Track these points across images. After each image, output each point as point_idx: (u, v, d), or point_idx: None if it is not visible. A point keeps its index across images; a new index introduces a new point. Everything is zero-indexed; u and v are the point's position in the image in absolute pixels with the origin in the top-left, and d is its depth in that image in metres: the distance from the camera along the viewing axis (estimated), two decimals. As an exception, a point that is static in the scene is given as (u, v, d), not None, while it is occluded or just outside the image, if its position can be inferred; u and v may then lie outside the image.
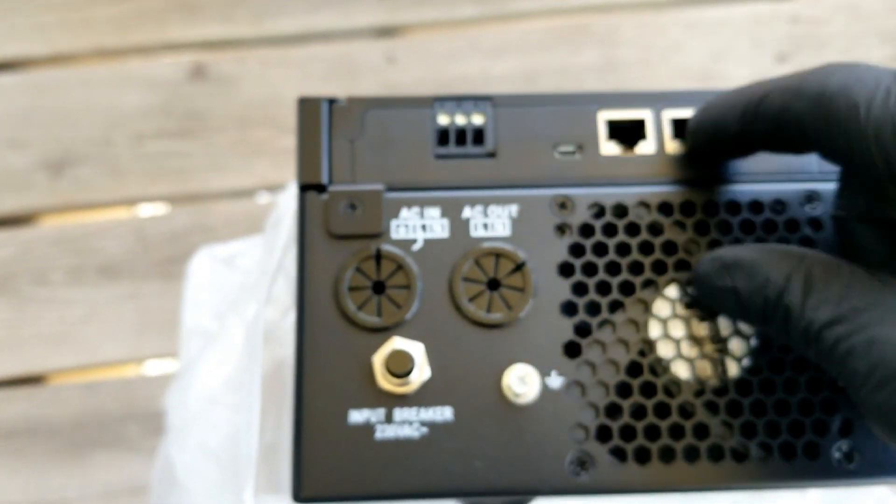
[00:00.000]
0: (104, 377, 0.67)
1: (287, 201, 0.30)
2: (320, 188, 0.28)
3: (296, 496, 0.25)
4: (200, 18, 0.75)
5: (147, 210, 0.70)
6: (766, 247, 0.25)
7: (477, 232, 0.28)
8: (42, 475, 0.65)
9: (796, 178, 0.29)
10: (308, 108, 0.28)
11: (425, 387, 0.26)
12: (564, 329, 0.27)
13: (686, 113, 0.29)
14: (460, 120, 0.29)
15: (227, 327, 0.29)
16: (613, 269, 0.28)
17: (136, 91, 0.72)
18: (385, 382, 0.26)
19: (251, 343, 0.27)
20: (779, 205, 0.28)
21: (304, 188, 0.28)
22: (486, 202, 0.28)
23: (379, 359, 0.26)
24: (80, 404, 0.66)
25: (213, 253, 0.37)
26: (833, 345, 0.22)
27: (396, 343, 0.26)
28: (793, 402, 0.27)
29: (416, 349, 0.26)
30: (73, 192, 0.70)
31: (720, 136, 0.26)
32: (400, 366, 0.25)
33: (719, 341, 0.27)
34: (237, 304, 0.30)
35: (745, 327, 0.27)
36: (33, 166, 0.71)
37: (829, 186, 0.29)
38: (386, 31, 0.74)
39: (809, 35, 0.72)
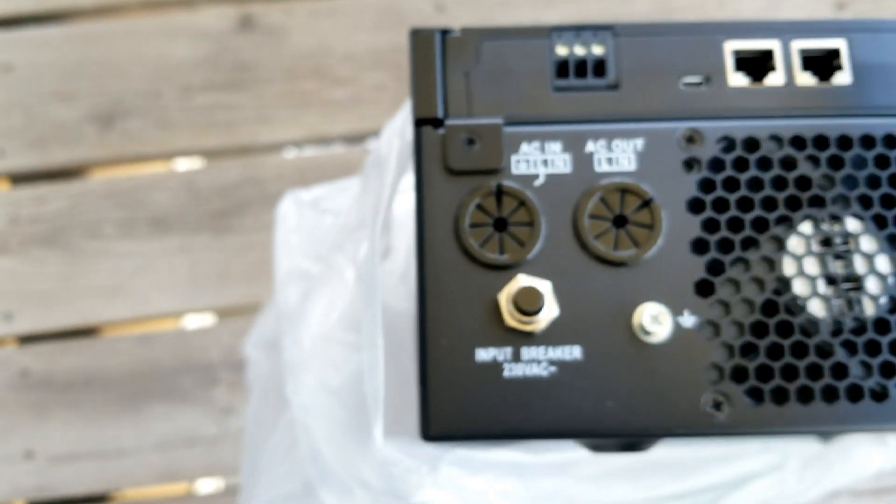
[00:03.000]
0: (157, 329, 0.67)
1: (386, 144, 0.29)
2: (436, 122, 0.27)
3: (424, 435, 0.25)
4: (249, -32, 0.74)
5: (196, 163, 0.70)
6: None
7: (601, 167, 0.27)
8: (97, 426, 0.65)
9: (934, 110, 0.27)
10: (421, 40, 0.27)
11: (553, 325, 0.25)
12: (696, 267, 0.26)
13: (816, 43, 0.28)
14: (579, 50, 0.28)
15: (333, 267, 0.28)
16: (745, 204, 0.27)
17: (183, 42, 0.72)
18: (512, 320, 0.25)
19: (369, 280, 0.26)
20: (917, 138, 0.27)
21: (420, 122, 0.27)
22: (610, 136, 0.27)
23: (505, 296, 0.25)
24: (134, 356, 0.67)
25: (298, 198, 0.36)
26: None
27: (523, 280, 0.25)
28: (933, 342, 0.26)
29: (544, 286, 0.25)
30: (123, 144, 0.70)
31: None
32: (530, 303, 0.25)
33: (856, 279, 0.26)
34: (341, 245, 0.29)
35: (881, 265, 0.26)
36: (82, 119, 0.71)
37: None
38: (436, -21, 0.73)
39: (873, -22, 0.70)
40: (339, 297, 0.28)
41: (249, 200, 0.69)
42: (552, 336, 0.25)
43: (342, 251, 0.29)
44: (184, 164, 0.70)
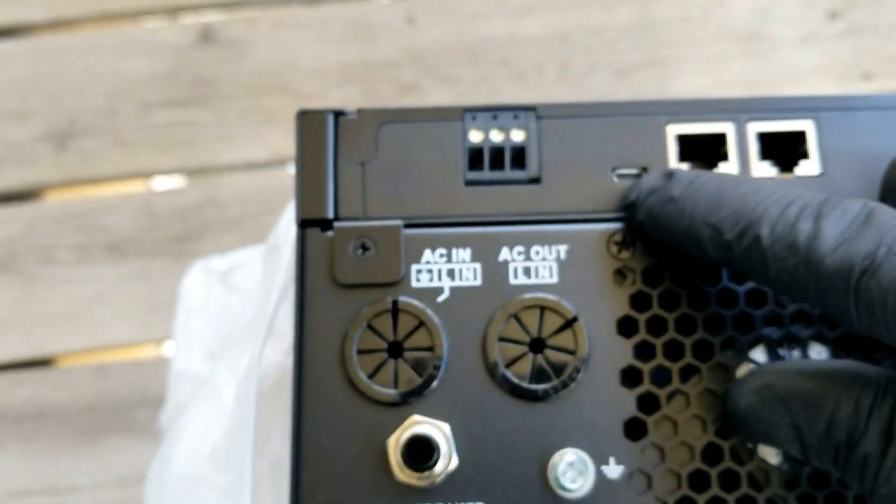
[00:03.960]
0: (114, 359, 0.64)
1: (284, 231, 0.25)
2: (325, 224, 0.23)
3: None
4: (206, -22, 0.71)
5: (155, 184, 0.67)
6: (832, 366, 0.20)
7: (517, 279, 0.23)
8: (51, 461, 0.62)
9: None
10: (310, 124, 0.23)
11: (452, 478, 0.21)
12: (625, 403, 0.22)
13: (777, 126, 0.24)
14: (497, 136, 0.23)
15: (215, 381, 0.24)
16: (686, 325, 0.22)
17: (141, 57, 0.68)
18: (402, 474, 0.21)
19: (242, 407, 0.22)
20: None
21: (305, 224, 0.23)
22: (529, 241, 0.23)
23: (394, 443, 0.21)
24: (90, 388, 0.64)
25: (209, 267, 0.32)
26: None
27: (416, 425, 0.21)
28: (908, 495, 0.21)
29: (440, 431, 0.21)
30: (79, 165, 0.67)
31: None
32: (419, 457, 0.21)
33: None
34: (230, 348, 0.25)
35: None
36: (36, 138, 0.68)
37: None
38: (405, -12, 0.69)
39: (864, -13, 0.66)
40: (214, 422, 0.24)
41: (210, 224, 0.66)
42: (451, 491, 0.21)
43: (226, 360, 0.25)
44: (142, 186, 0.67)
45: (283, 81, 0.68)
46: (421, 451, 0.21)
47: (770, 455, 0.22)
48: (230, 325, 0.27)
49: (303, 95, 0.66)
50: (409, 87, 0.66)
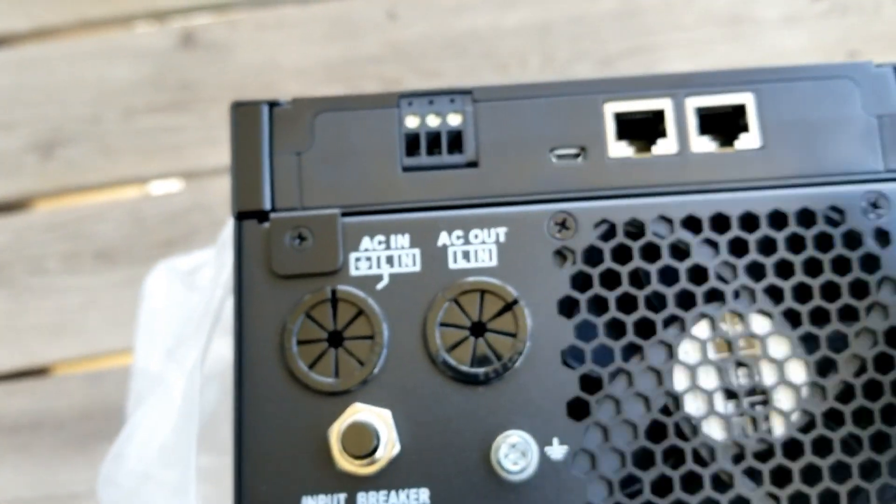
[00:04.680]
0: (108, 366, 0.64)
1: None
2: (261, 216, 0.23)
3: None
4: (187, -19, 0.71)
5: (142, 190, 0.67)
6: None
7: (456, 263, 0.23)
8: (49, 470, 0.62)
9: (856, 177, 0.23)
10: (244, 116, 0.23)
11: (395, 464, 0.21)
12: (568, 383, 0.22)
13: (716, 100, 0.23)
14: (433, 121, 0.23)
15: (165, 377, 0.24)
16: (628, 304, 0.22)
17: (124, 63, 0.68)
18: (344, 462, 0.21)
19: (187, 405, 0.22)
20: (836, 213, 0.23)
21: (241, 216, 0.23)
22: (468, 225, 0.23)
23: (336, 432, 0.21)
24: (85, 395, 0.64)
25: (173, 267, 0.32)
26: None
27: (357, 412, 0.21)
28: (854, 465, 0.21)
29: (381, 419, 0.21)
30: (65, 174, 0.67)
31: None
32: (359, 445, 0.20)
33: (762, 392, 0.22)
34: (180, 345, 0.25)
35: (793, 374, 0.22)
36: (22, 148, 0.68)
37: (900, 186, 0.23)
38: (387, -16, 0.69)
39: (850, -35, 0.65)
40: (163, 419, 0.24)
41: (198, 228, 0.66)
42: (394, 477, 0.21)
43: (176, 357, 0.25)
44: (129, 192, 0.67)
45: (267, 82, 0.68)
46: (361, 439, 0.21)
47: (714, 431, 0.22)
48: (184, 325, 0.27)
49: (287, 95, 0.66)
50: (393, 83, 0.66)
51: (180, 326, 0.29)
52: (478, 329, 0.22)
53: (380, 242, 0.23)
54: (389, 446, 0.21)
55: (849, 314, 0.22)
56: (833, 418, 0.22)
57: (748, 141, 0.23)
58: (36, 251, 0.66)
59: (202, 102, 0.68)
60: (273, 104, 0.23)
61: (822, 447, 0.21)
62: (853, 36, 0.63)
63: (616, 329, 0.22)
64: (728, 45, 0.64)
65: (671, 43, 0.65)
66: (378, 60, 0.67)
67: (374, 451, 0.21)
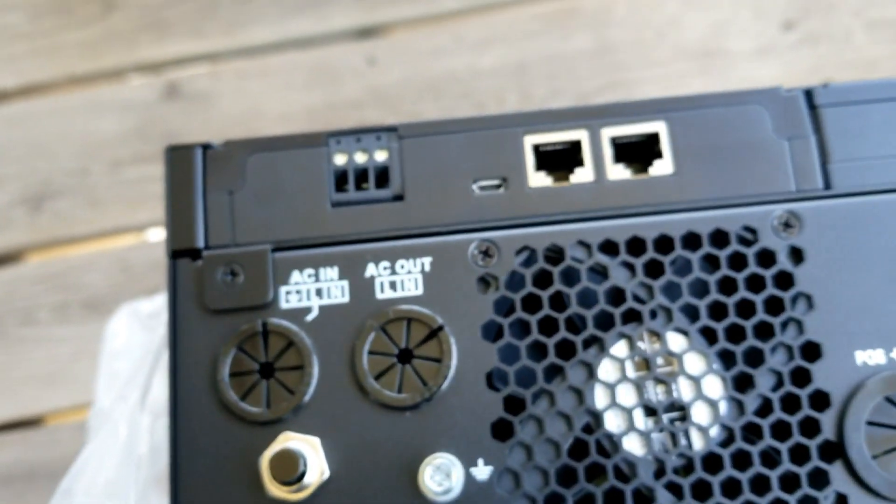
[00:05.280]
0: (100, 415, 0.65)
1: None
2: (194, 254, 0.24)
3: None
4: (170, 35, 0.73)
5: (128, 239, 0.68)
6: None
7: (384, 293, 0.23)
8: (43, 521, 0.62)
9: (769, 198, 0.24)
10: (178, 158, 0.24)
11: (325, 489, 0.22)
12: (492, 405, 0.22)
13: (630, 129, 0.24)
14: (360, 158, 0.24)
15: (113, 416, 0.25)
16: (549, 326, 0.23)
17: (110, 116, 0.70)
18: (274, 489, 0.22)
19: (130, 440, 0.23)
20: (749, 232, 0.23)
21: (176, 255, 0.24)
22: (394, 256, 0.24)
23: (266, 460, 0.22)
24: (77, 445, 0.64)
25: (136, 310, 0.33)
26: None
27: (287, 441, 0.22)
28: (774, 477, 0.22)
29: (310, 446, 0.22)
30: (54, 226, 0.68)
31: None
32: (286, 471, 0.21)
33: (680, 408, 0.22)
34: (129, 384, 0.26)
35: (711, 390, 0.22)
36: (12, 202, 0.69)
37: (811, 205, 0.23)
38: (365, 32, 0.71)
39: (816, -3, 0.66)
40: (109, 454, 0.24)
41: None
42: (324, 503, 0.22)
43: (123, 397, 0.25)
44: (116, 242, 0.68)
45: (250, 129, 0.69)
46: (288, 465, 0.21)
47: (635, 447, 0.22)
48: (134, 369, 0.28)
49: (269, 142, 0.67)
50: (375, 126, 0.67)
51: (135, 367, 0.29)
52: (405, 356, 0.23)
53: (309, 275, 0.23)
54: (318, 472, 0.22)
55: (764, 330, 0.23)
56: (752, 432, 0.22)
57: (662, 167, 0.24)
58: (27, 303, 0.67)
59: (187, 152, 0.69)
60: (206, 147, 0.24)
61: (741, 461, 0.22)
62: (826, 64, 0.64)
63: (538, 351, 0.23)
64: (701, 78, 0.65)
65: (645, 78, 0.66)
66: (359, 105, 0.68)
67: (302, 476, 0.21)
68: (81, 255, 0.68)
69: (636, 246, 0.23)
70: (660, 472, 0.22)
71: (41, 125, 0.71)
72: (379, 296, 0.23)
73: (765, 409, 0.22)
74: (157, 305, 0.34)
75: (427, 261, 0.23)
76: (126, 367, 0.30)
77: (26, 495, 0.64)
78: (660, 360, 0.23)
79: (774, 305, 0.23)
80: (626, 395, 0.22)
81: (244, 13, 0.73)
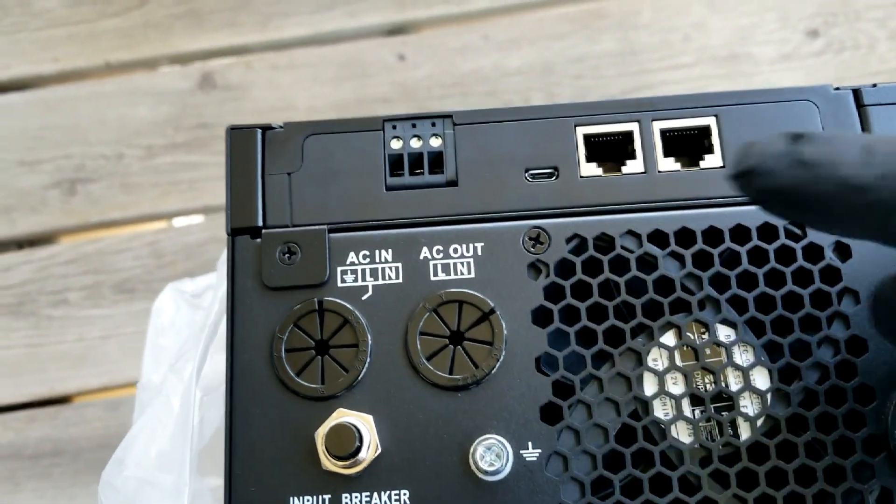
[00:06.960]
0: (127, 395, 0.66)
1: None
2: (254, 232, 0.24)
3: None
4: (206, 27, 0.74)
5: (160, 224, 0.69)
6: None
7: (437, 276, 0.24)
8: (68, 497, 0.64)
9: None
10: (238, 139, 0.25)
11: (377, 465, 0.22)
12: (542, 389, 0.23)
13: (681, 123, 0.25)
14: (415, 143, 0.25)
15: (164, 388, 0.26)
16: (598, 314, 0.23)
17: (144, 104, 0.71)
18: (329, 463, 0.22)
19: (184, 413, 0.24)
20: (797, 227, 0.24)
21: (235, 232, 0.24)
22: (447, 240, 0.24)
23: (321, 435, 0.22)
24: (104, 423, 0.65)
25: (180, 288, 0.34)
26: None
27: (341, 417, 0.22)
28: (819, 469, 0.22)
29: (364, 423, 0.22)
30: (87, 209, 0.69)
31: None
32: (342, 446, 0.22)
33: (728, 398, 0.23)
34: (181, 359, 0.27)
35: (758, 380, 0.23)
36: (47, 185, 0.70)
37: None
38: (395, 29, 0.71)
39: (843, 5, 0.66)
40: (161, 427, 0.25)
41: (214, 260, 0.67)
42: (376, 478, 0.22)
43: (176, 369, 0.26)
44: (148, 227, 0.69)
45: (280, 121, 0.70)
46: (344, 440, 0.22)
47: (682, 435, 0.23)
48: (184, 342, 0.28)
49: (300, 133, 0.68)
50: (402, 122, 0.67)
51: (183, 342, 0.30)
52: (456, 338, 0.23)
53: (364, 257, 0.24)
54: (372, 449, 0.22)
55: (811, 324, 0.23)
56: (797, 424, 0.23)
57: (711, 161, 0.24)
58: (58, 284, 0.68)
59: (219, 141, 0.70)
60: (266, 128, 0.25)
61: (787, 452, 0.22)
62: (849, 73, 0.64)
63: (587, 337, 0.23)
64: (725, 82, 0.65)
65: (669, 81, 0.66)
66: (387, 100, 0.69)
67: (357, 452, 0.22)
68: (112, 238, 0.69)
69: (685, 237, 0.24)
70: (706, 461, 0.22)
71: (77, 110, 0.73)
72: (432, 278, 0.24)
73: (810, 401, 0.23)
74: (199, 285, 0.35)
75: (479, 245, 0.24)
76: (172, 343, 0.31)
77: (52, 472, 0.65)
78: (707, 351, 0.23)
79: (821, 300, 0.23)
80: (674, 383, 0.23)
81: (278, 7, 0.73)
